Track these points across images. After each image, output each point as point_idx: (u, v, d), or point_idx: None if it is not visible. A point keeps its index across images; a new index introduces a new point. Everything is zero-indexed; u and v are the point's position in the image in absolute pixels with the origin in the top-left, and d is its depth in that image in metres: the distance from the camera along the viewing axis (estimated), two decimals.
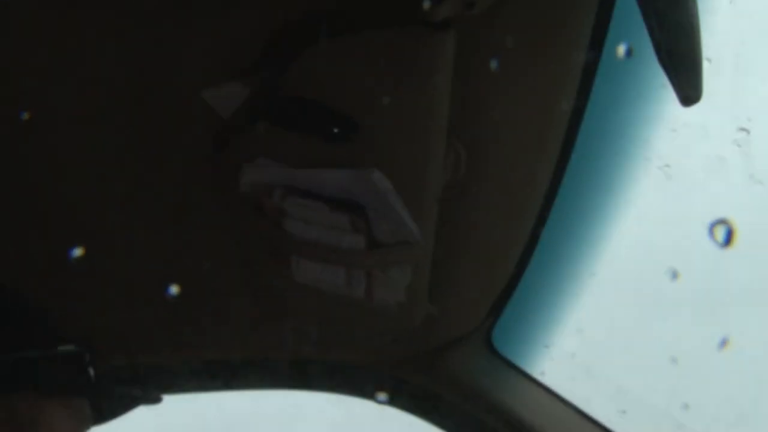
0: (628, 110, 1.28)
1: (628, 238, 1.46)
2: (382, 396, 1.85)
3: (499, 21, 1.09)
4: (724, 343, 1.58)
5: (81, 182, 1.29)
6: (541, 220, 1.44)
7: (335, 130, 1.14)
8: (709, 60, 0.99)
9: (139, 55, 1.12)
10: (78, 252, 1.38)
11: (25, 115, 1.16)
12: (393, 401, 1.87)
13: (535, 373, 1.79)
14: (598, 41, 1.16)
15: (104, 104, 1.19)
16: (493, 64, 1.14)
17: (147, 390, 1.44)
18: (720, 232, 1.21)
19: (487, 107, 1.21)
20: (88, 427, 1.22)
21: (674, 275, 1.39)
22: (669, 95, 0.99)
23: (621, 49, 1.15)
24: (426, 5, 0.98)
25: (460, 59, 1.07)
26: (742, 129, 1.29)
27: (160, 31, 1.09)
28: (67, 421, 1.18)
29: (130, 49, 1.11)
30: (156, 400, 1.45)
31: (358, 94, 1.10)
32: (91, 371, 1.21)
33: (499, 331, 1.76)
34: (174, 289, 1.50)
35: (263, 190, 1.21)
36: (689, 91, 0.99)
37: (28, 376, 1.16)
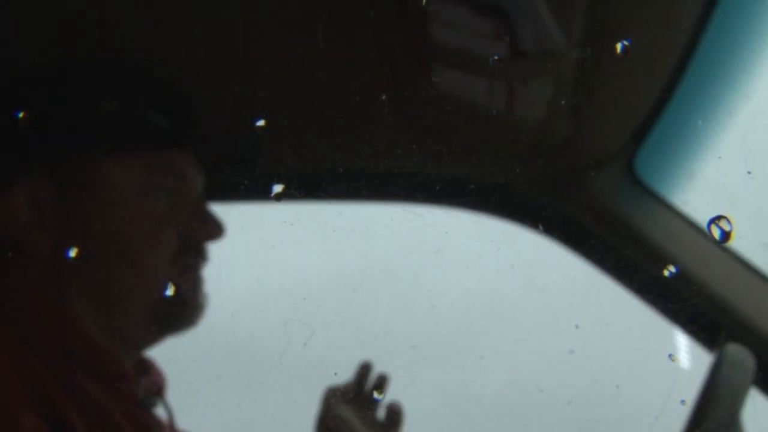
0: None
1: None
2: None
3: None
4: None
5: None
6: (692, 43, 1.37)
7: None
8: None
9: None
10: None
11: None
12: (529, 221, 1.89)
13: (678, 202, 1.76)
14: None
15: None
16: None
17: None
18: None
19: None
20: (166, 176, 1.30)
21: None
22: None
23: None
24: None
25: None
26: None
27: None
28: (127, 174, 1.26)
29: None
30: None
31: None
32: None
33: (641, 158, 1.72)
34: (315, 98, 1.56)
35: None
36: None
37: (73, 140, 1.25)
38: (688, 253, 1.75)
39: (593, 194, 1.78)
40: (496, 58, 1.27)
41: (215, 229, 1.33)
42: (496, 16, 1.19)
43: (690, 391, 1.13)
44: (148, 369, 1.31)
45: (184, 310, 1.28)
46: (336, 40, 1.45)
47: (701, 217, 1.73)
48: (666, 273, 1.64)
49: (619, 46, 1.36)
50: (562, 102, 1.41)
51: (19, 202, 1.19)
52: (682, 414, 1.11)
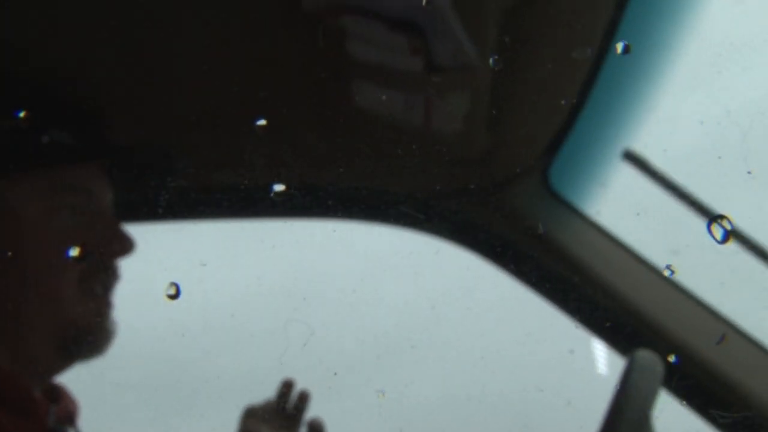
0: None
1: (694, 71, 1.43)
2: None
3: None
4: None
5: None
6: (603, 51, 1.41)
7: None
8: None
9: None
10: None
11: None
12: (447, 234, 1.92)
13: (591, 212, 1.81)
14: None
15: None
16: None
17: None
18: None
19: None
20: (63, 194, 1.26)
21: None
22: None
23: None
24: None
25: None
26: None
27: None
28: (30, 193, 1.22)
29: None
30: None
31: None
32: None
33: (556, 169, 1.76)
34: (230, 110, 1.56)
35: (325, 9, 1.22)
36: None
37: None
38: (602, 262, 1.80)
39: (510, 206, 1.81)
40: (411, 72, 1.28)
41: (125, 246, 1.28)
42: (412, 32, 1.21)
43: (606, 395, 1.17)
44: (59, 396, 1.26)
45: (92, 336, 1.23)
46: (256, 57, 1.45)
47: (613, 227, 1.79)
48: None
49: (620, 46, 1.39)
50: (478, 115, 1.44)
51: None
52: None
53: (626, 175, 1.72)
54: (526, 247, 1.84)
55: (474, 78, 1.31)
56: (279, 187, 1.81)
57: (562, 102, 1.56)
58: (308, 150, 1.71)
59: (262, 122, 1.54)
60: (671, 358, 1.66)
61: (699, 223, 1.75)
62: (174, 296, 1.44)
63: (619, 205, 1.76)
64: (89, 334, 1.23)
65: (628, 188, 1.73)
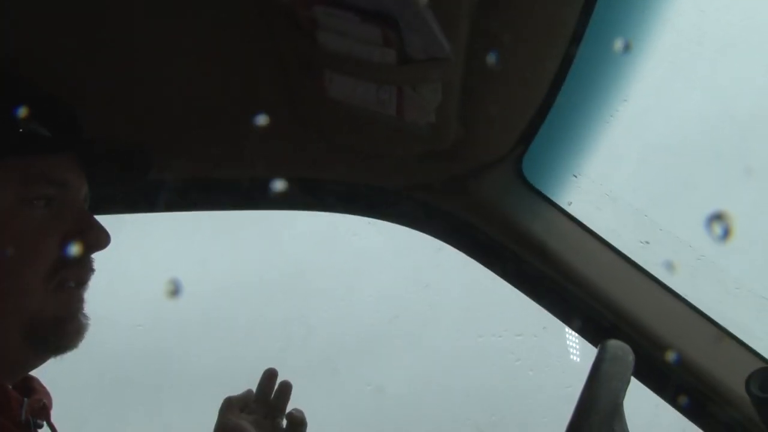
0: None
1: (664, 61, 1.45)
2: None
3: None
4: None
5: None
6: (574, 42, 1.42)
7: None
8: None
9: None
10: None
11: None
12: (421, 225, 1.93)
13: (563, 202, 1.82)
14: None
15: None
16: None
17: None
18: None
19: None
20: (43, 184, 1.23)
21: None
22: None
23: None
24: None
25: None
26: None
27: None
28: (8, 178, 1.20)
29: None
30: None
31: None
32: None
33: (529, 159, 1.77)
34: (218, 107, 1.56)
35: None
36: None
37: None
38: (573, 251, 1.81)
39: (483, 197, 1.82)
40: (384, 63, 1.29)
41: (100, 239, 1.25)
42: (385, 24, 1.21)
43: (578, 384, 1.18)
44: (32, 389, 1.25)
45: (63, 329, 1.21)
46: (228, 48, 1.44)
47: (586, 217, 1.80)
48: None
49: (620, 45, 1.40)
50: (451, 107, 1.44)
51: None
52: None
53: (598, 165, 1.74)
54: (500, 238, 1.85)
55: (446, 69, 1.31)
56: (268, 182, 1.82)
57: (535, 92, 1.57)
58: (283, 143, 1.71)
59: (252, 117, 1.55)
60: (671, 356, 1.68)
61: (670, 213, 1.78)
62: (174, 292, 1.44)
63: (591, 196, 1.78)
64: (59, 328, 1.20)
65: (600, 178, 1.75)
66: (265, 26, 1.35)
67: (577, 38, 1.42)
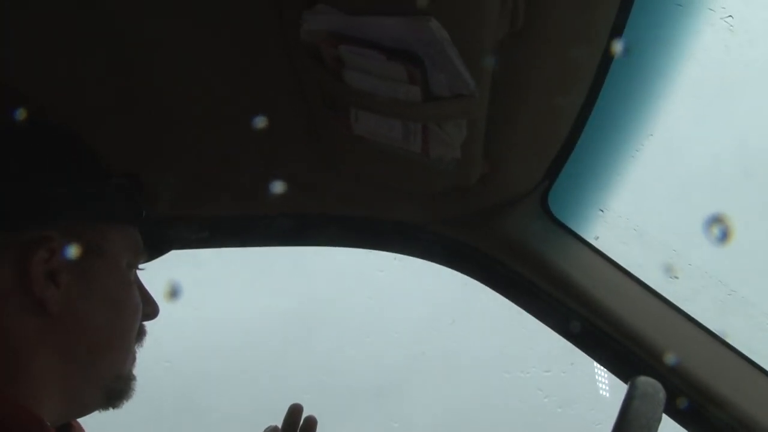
0: None
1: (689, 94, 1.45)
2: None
3: None
4: None
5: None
6: (600, 78, 1.43)
7: None
8: None
9: None
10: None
11: None
12: (446, 260, 1.93)
13: (590, 237, 1.81)
14: None
15: None
16: None
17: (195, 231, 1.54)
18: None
19: None
20: (142, 256, 1.33)
21: None
22: None
23: None
24: None
25: None
26: None
27: None
28: (126, 245, 1.28)
29: None
30: (202, 240, 1.56)
31: None
32: (141, 204, 1.33)
33: (554, 194, 1.77)
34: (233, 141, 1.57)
35: (322, 38, 1.23)
36: None
37: (92, 205, 1.25)
38: (601, 287, 1.80)
39: (509, 232, 1.82)
40: (409, 101, 1.29)
41: (156, 311, 1.36)
42: (410, 62, 1.22)
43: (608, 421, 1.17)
44: (70, 426, 1.28)
45: (133, 388, 1.28)
46: (251, 85, 1.46)
47: (612, 251, 1.79)
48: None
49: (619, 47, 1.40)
50: (476, 142, 1.45)
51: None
52: None
53: (625, 199, 1.73)
54: (526, 273, 1.85)
55: (471, 106, 1.32)
56: (284, 216, 1.83)
57: (561, 127, 1.57)
58: (308, 179, 1.73)
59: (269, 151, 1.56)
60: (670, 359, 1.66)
61: (697, 245, 1.76)
62: (172, 294, 1.49)
63: (618, 231, 1.77)
64: (131, 386, 1.28)
65: (627, 213, 1.74)
66: (289, 63, 1.37)
67: (602, 73, 1.42)
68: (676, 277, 1.76)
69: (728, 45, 1.37)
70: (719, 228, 1.40)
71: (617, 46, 1.33)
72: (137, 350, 1.31)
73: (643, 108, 1.53)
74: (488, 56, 1.25)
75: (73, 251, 1.16)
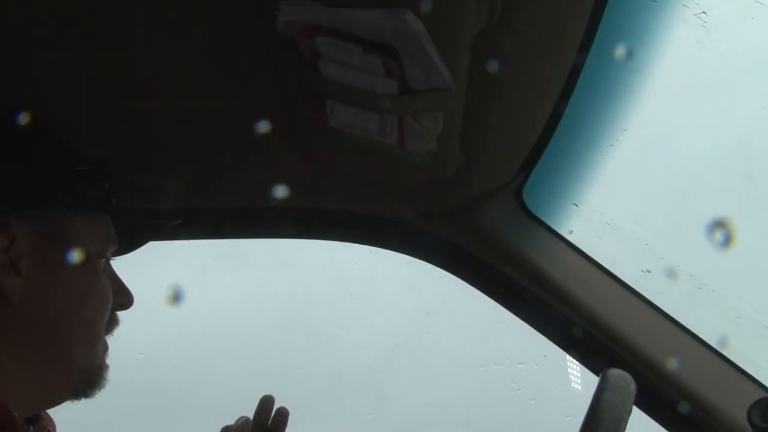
0: None
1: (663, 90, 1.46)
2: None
3: None
4: None
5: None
6: (575, 73, 1.44)
7: None
8: None
9: None
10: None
11: None
12: (422, 253, 1.93)
13: (564, 231, 1.83)
14: None
15: None
16: None
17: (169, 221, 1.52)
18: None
19: None
20: (113, 245, 1.31)
21: None
22: None
23: None
24: None
25: None
26: None
27: None
28: (93, 233, 1.26)
29: None
30: (179, 231, 1.55)
31: None
32: (111, 193, 1.31)
33: (529, 188, 1.78)
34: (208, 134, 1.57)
35: (299, 30, 1.23)
36: None
37: (54, 193, 1.24)
38: (574, 280, 1.81)
39: (483, 225, 1.83)
40: (385, 94, 1.30)
41: (130, 300, 1.35)
42: (386, 55, 1.22)
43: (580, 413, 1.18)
44: (38, 416, 1.27)
45: (103, 378, 1.27)
46: (227, 76, 1.45)
47: (585, 245, 1.81)
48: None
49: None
50: (452, 136, 1.45)
51: None
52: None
53: (599, 194, 1.74)
54: (501, 266, 1.86)
55: (447, 99, 1.32)
56: (263, 210, 1.82)
57: (536, 122, 1.58)
58: (284, 171, 1.72)
59: (248, 144, 1.56)
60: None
61: (672, 243, 1.78)
62: (174, 298, 1.48)
63: (592, 225, 1.79)
64: (101, 377, 1.27)
65: (601, 207, 1.76)
66: (266, 56, 1.36)
67: (577, 68, 1.43)
68: (649, 272, 1.78)
69: (701, 41, 1.39)
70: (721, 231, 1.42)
71: (592, 42, 1.34)
72: (108, 340, 1.30)
73: (617, 103, 1.54)
74: (465, 50, 1.25)
75: (34, 239, 1.15)
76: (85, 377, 1.24)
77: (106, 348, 1.29)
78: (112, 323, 1.30)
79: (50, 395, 1.22)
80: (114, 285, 1.31)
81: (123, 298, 1.32)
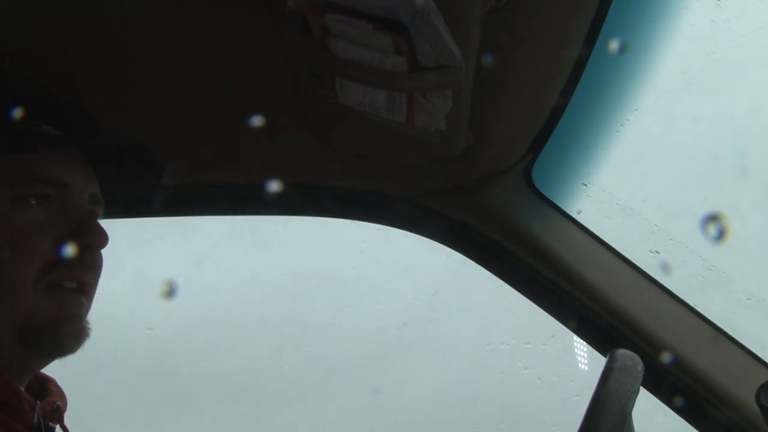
0: None
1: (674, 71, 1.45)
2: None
3: None
4: None
5: None
6: (585, 51, 1.42)
7: None
8: None
9: None
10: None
11: None
12: (430, 232, 1.93)
13: (572, 211, 1.82)
14: None
15: None
16: None
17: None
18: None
19: None
20: (38, 185, 1.22)
21: None
22: None
23: None
24: None
25: None
26: None
27: None
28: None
29: None
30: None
31: None
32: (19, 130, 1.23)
33: (538, 167, 1.77)
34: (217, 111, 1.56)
35: (309, 6, 1.22)
36: None
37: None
38: (583, 260, 1.81)
39: (492, 204, 1.82)
40: (395, 71, 1.29)
41: (96, 240, 1.22)
42: (396, 32, 1.21)
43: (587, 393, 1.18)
44: (47, 391, 1.25)
45: (58, 331, 1.19)
46: (236, 52, 1.45)
47: (594, 225, 1.80)
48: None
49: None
50: (461, 114, 1.44)
51: None
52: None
53: (608, 174, 1.73)
54: (509, 245, 1.85)
55: (457, 77, 1.31)
56: (270, 186, 1.82)
57: (545, 101, 1.56)
58: (293, 149, 1.72)
59: (255, 121, 1.54)
60: (666, 358, 1.67)
61: (681, 223, 1.77)
62: (169, 293, 1.45)
63: (601, 205, 1.78)
64: (54, 329, 1.18)
65: (610, 187, 1.75)
66: (275, 31, 1.36)
67: (587, 47, 1.41)
68: (657, 252, 1.78)
69: (715, 20, 1.37)
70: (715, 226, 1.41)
71: (604, 21, 1.32)
72: (72, 291, 1.21)
73: (628, 83, 1.53)
74: (475, 28, 1.24)
75: None
76: (31, 332, 1.16)
77: (57, 303, 1.19)
78: (71, 268, 1.20)
79: (1, 351, 1.15)
80: (79, 225, 1.22)
81: (88, 237, 1.21)
